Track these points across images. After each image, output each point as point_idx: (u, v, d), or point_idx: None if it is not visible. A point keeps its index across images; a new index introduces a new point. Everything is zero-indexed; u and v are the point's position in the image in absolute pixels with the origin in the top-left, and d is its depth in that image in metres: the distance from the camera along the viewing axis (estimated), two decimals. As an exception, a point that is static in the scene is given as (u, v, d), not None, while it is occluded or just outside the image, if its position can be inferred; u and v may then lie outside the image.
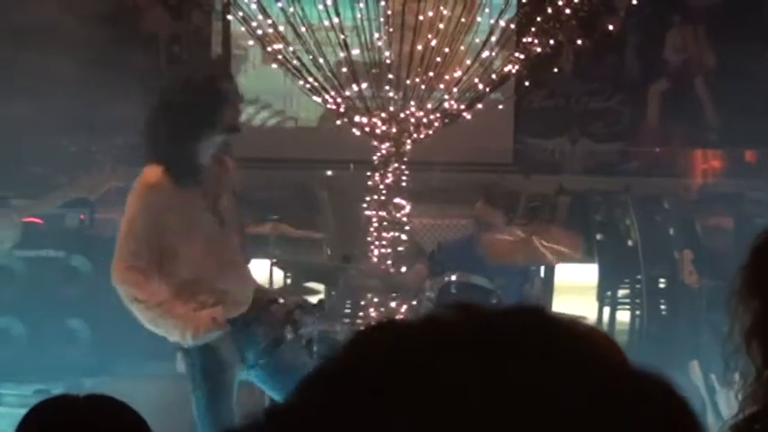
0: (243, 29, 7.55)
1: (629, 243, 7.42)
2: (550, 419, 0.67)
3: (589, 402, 0.69)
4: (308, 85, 7.31)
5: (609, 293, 7.60)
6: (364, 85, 7.20)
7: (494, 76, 7.25)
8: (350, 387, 0.69)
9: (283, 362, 4.65)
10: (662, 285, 7.40)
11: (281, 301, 4.74)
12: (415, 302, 6.56)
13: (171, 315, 4.51)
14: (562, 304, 7.22)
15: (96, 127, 8.17)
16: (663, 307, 7.38)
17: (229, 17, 7.83)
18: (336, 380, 0.70)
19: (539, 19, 7.10)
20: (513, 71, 7.32)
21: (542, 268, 7.24)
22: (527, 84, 7.72)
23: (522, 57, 7.23)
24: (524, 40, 7.23)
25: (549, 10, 7.05)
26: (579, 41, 7.44)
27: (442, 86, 7.19)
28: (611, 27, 7.48)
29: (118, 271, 4.54)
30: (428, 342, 0.70)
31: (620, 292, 7.65)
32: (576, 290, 7.73)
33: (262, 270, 7.52)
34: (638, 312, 7.47)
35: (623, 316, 7.59)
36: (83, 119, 8.25)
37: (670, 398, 0.72)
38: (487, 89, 7.28)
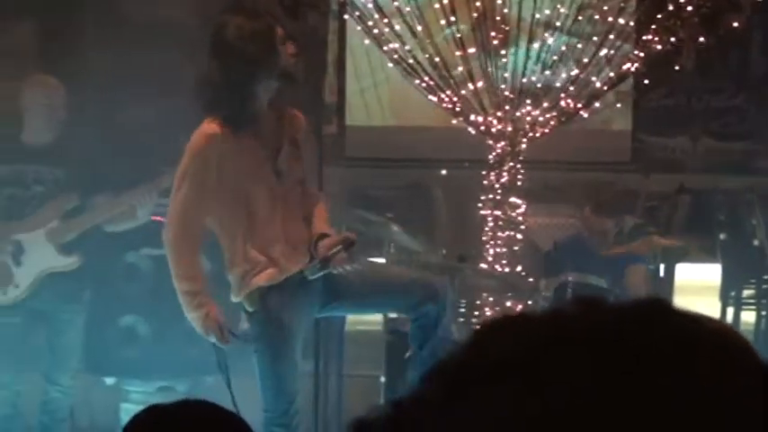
0: (359, 28, 7.59)
1: (755, 242, 7.26)
2: (664, 418, 0.65)
3: (705, 399, 0.66)
4: (423, 84, 7.32)
5: (733, 293, 7.47)
6: (480, 84, 7.18)
7: (612, 75, 7.17)
8: (470, 381, 0.68)
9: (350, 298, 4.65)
10: (789, 285, 7.26)
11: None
12: (530, 302, 6.52)
13: (190, 306, 4.56)
14: (684, 304, 7.08)
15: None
16: (790, 307, 7.25)
17: (345, 17, 7.89)
18: (457, 374, 0.70)
19: (659, 16, 6.99)
20: (632, 69, 7.22)
21: (662, 267, 7.14)
22: (646, 82, 7.60)
23: (641, 54, 7.12)
24: (644, 37, 7.13)
25: (671, 7, 6.93)
26: (701, 39, 7.30)
27: (558, 85, 7.13)
28: (735, 24, 7.31)
29: (170, 229, 4.57)
30: (548, 337, 0.69)
31: (745, 293, 7.50)
32: (698, 290, 7.60)
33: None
34: (763, 313, 7.33)
35: (748, 316, 7.45)
36: (201, 119, 8.37)
37: None
38: (605, 87, 7.20)
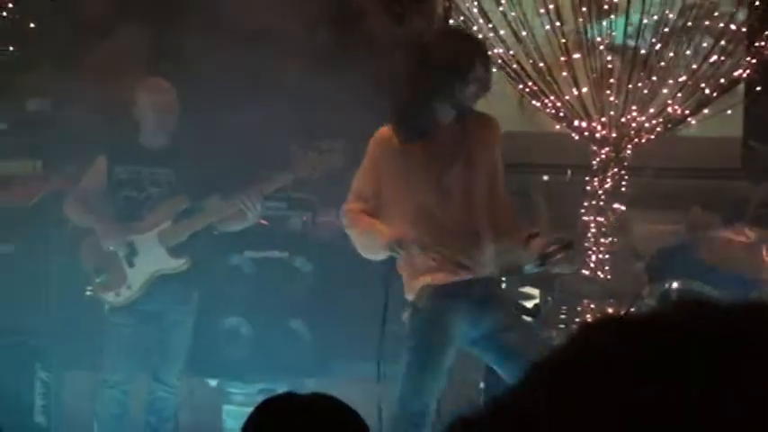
0: (463, 33, 7.58)
1: None
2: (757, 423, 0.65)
3: None
4: (527, 90, 7.29)
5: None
6: (584, 90, 7.12)
7: (722, 81, 7.03)
8: (568, 383, 0.69)
9: (508, 345, 4.57)
10: None
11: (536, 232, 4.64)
12: (633, 309, 6.43)
13: (371, 229, 4.58)
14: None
15: (320, 132, 8.38)
16: None
17: (450, 22, 7.88)
18: (556, 375, 0.70)
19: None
20: (744, 76, 7.07)
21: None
22: (758, 89, 7.44)
23: (753, 61, 6.98)
24: (756, 44, 6.98)
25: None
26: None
27: (665, 91, 7.03)
28: None
29: (342, 211, 4.73)
30: (648, 341, 0.68)
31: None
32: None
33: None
34: None
35: None
36: (307, 124, 8.47)
37: None
38: (714, 94, 7.07)
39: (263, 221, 6.31)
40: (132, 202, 5.54)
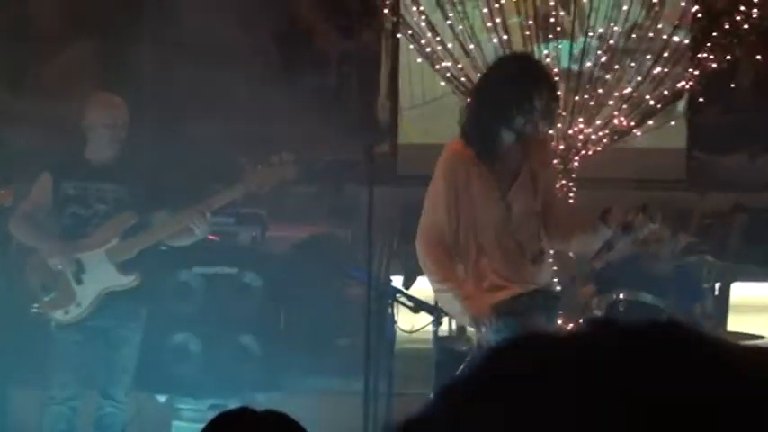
0: (412, 47, 7.62)
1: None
2: None
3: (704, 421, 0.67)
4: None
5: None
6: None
7: (666, 92, 7.12)
8: (477, 399, 0.70)
9: None
10: None
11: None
12: (581, 320, 6.48)
13: (461, 298, 4.53)
14: (739, 323, 7.01)
15: (271, 145, 8.38)
16: None
17: (398, 35, 7.92)
18: (467, 394, 0.71)
19: (714, 34, 6.94)
20: (687, 87, 7.17)
21: (717, 285, 7.05)
22: (701, 99, 7.53)
23: (696, 72, 7.07)
24: (699, 55, 7.08)
25: (726, 25, 6.88)
26: (758, 56, 7.24)
27: (611, 103, 7.10)
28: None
29: (423, 243, 4.63)
30: (557, 358, 0.70)
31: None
32: (754, 308, 7.50)
33: (427, 286, 7.56)
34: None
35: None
36: (258, 137, 8.46)
37: None
38: (658, 105, 7.15)
39: (212, 237, 6.29)
40: (79, 219, 5.50)
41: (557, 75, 7.04)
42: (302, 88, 8.86)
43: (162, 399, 6.11)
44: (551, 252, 4.70)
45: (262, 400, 5.45)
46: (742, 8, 6.82)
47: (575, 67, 7.06)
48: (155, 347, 5.92)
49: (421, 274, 7.89)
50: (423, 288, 7.66)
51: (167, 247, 5.57)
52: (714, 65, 6.97)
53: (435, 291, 4.73)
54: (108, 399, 5.53)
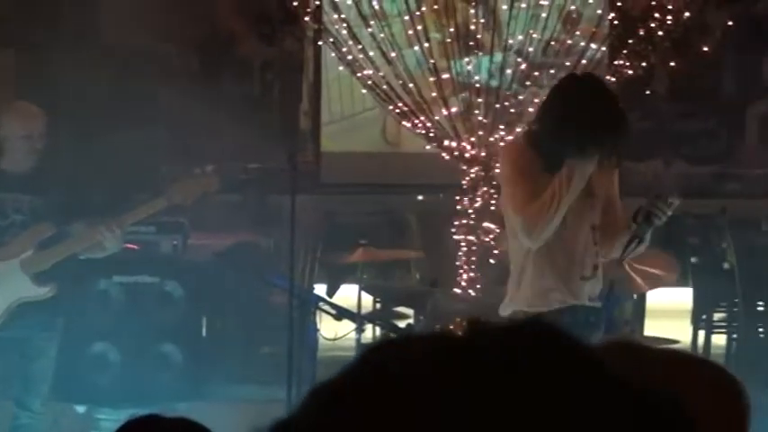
0: (333, 55, 7.64)
1: (726, 266, 7.28)
2: None
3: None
4: (397, 110, 7.37)
5: (704, 317, 7.46)
6: (453, 109, 7.23)
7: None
8: (342, 405, 0.70)
9: None
10: (760, 308, 7.25)
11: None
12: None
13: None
14: (655, 328, 7.11)
15: (193, 154, 8.34)
16: (760, 330, 7.23)
17: (320, 43, 7.93)
18: (330, 398, 0.71)
19: (630, 41, 7.05)
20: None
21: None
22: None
23: (613, 79, 7.17)
24: (616, 62, 7.19)
25: (642, 32, 6.99)
26: (673, 63, 7.36)
27: (531, 110, 7.17)
28: (705, 48, 7.37)
29: (526, 213, 4.37)
30: (423, 361, 0.70)
31: (716, 316, 7.50)
32: (670, 313, 7.60)
33: (350, 294, 7.57)
34: (734, 336, 7.32)
35: (719, 340, 7.45)
36: (180, 146, 8.42)
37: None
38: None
39: (132, 246, 6.24)
40: (-6, 230, 5.43)
41: (476, 87, 7.11)
42: (224, 96, 8.82)
43: (81, 409, 6.04)
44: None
45: (183, 410, 5.40)
46: (656, 15, 6.94)
47: (494, 80, 7.13)
48: (73, 357, 5.85)
49: (344, 282, 7.93)
50: (346, 296, 7.69)
51: (86, 257, 5.51)
52: (630, 72, 7.08)
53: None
54: (24, 410, 5.45)
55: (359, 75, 7.41)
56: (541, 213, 4.34)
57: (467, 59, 7.14)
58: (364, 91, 7.59)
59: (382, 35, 7.26)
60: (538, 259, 4.44)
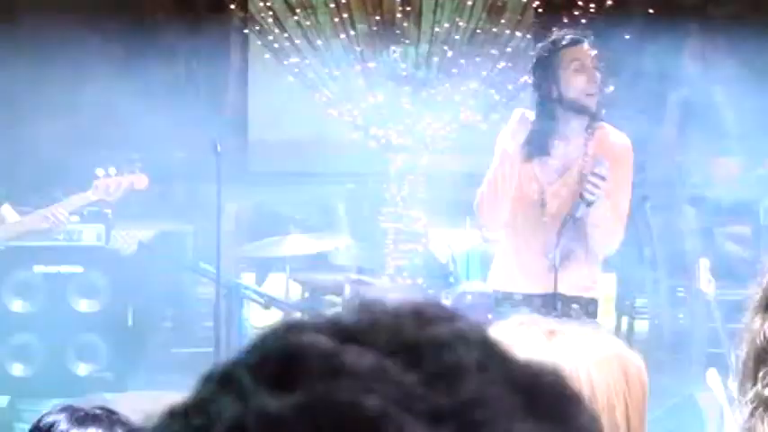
0: (260, 42, 7.60)
1: (648, 252, 7.38)
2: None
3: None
4: (324, 98, 7.35)
5: (627, 303, 7.56)
6: (380, 98, 7.23)
7: (510, 87, 7.26)
8: (223, 389, 0.69)
9: None
10: (680, 294, 7.36)
11: None
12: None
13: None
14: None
15: (117, 143, 8.25)
16: (681, 316, 7.34)
17: (246, 31, 7.89)
18: (215, 380, 0.71)
19: (555, 29, 7.09)
20: (530, 81, 7.31)
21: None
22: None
23: (538, 67, 7.22)
24: (541, 49, 7.23)
25: (565, 20, 7.05)
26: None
27: (457, 98, 7.21)
28: (627, 36, 7.46)
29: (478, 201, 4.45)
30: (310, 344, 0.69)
31: (639, 302, 7.60)
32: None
33: (279, 283, 7.55)
34: (656, 322, 7.43)
35: (642, 326, 7.55)
36: (104, 135, 8.32)
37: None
38: (504, 99, 7.29)
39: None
40: None
41: (403, 75, 7.12)
42: (148, 84, 8.72)
43: (3, 401, 5.96)
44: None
45: (109, 400, 5.35)
46: (579, 3, 7.01)
47: (420, 69, 7.15)
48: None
49: (272, 270, 7.91)
50: (274, 284, 7.66)
51: (5, 247, 5.44)
52: (555, 59, 7.13)
53: None
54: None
55: (285, 63, 7.38)
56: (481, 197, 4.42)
57: (393, 48, 7.15)
58: (291, 79, 7.56)
59: (308, 23, 7.24)
60: (505, 243, 4.44)
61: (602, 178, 4.25)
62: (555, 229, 4.27)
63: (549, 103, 4.33)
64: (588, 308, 4.43)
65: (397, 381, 0.66)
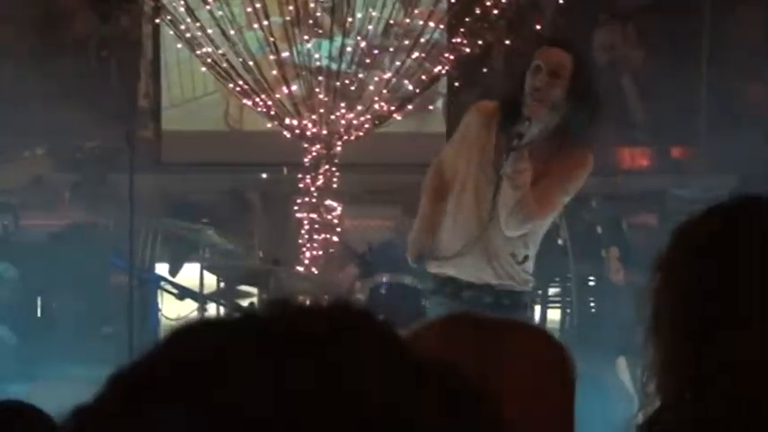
0: (172, 32, 7.53)
1: (559, 242, 7.46)
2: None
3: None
4: (237, 89, 7.31)
5: (540, 292, 7.63)
6: (294, 88, 7.21)
7: (423, 77, 7.30)
8: (144, 392, 0.69)
9: None
10: (591, 283, 7.46)
11: None
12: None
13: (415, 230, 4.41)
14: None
15: (27, 133, 8.11)
16: (592, 305, 7.44)
17: (158, 21, 7.80)
18: (133, 383, 0.71)
19: (467, 20, 7.16)
20: (443, 72, 7.37)
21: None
22: (457, 84, 7.76)
23: (451, 57, 7.28)
24: (454, 40, 7.29)
25: (478, 11, 7.11)
26: (508, 41, 7.51)
27: (371, 88, 7.22)
28: (538, 27, 7.56)
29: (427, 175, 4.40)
30: (225, 340, 0.70)
31: (551, 291, 7.69)
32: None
33: (193, 274, 7.50)
34: (568, 311, 7.51)
35: (554, 314, 7.64)
36: (14, 125, 8.17)
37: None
38: (417, 90, 7.33)
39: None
40: None
41: (317, 66, 7.11)
42: (59, 75, 8.60)
43: None
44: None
45: (17, 391, 5.28)
46: (491, -5, 7.07)
47: (335, 60, 7.15)
48: None
49: (186, 261, 7.85)
50: (189, 276, 7.61)
51: None
52: (468, 50, 7.19)
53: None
54: None
55: (198, 53, 7.32)
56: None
57: (307, 38, 7.14)
58: (204, 69, 7.50)
59: (221, 13, 7.19)
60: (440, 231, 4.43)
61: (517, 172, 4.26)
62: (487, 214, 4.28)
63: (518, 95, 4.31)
64: (517, 299, 4.46)
65: (284, 384, 0.67)
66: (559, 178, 4.19)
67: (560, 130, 4.15)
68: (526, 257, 4.34)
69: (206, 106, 9.10)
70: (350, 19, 7.14)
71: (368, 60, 7.19)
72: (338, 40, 7.18)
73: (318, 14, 7.12)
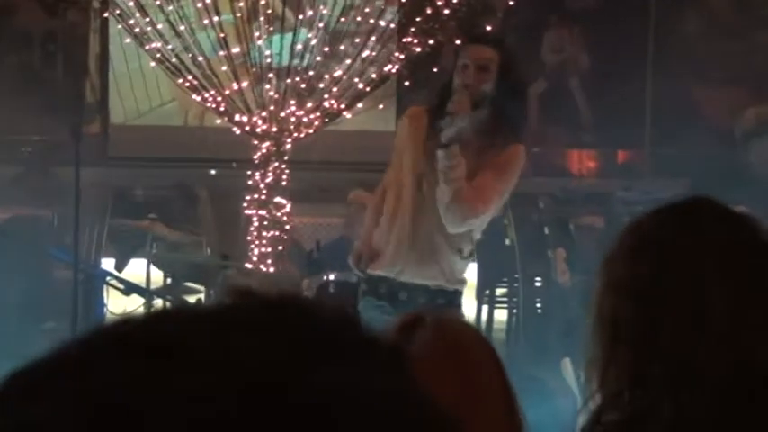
0: (120, 26, 7.47)
1: (507, 242, 7.50)
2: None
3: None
4: (187, 84, 7.27)
5: (487, 292, 7.66)
6: (244, 84, 7.19)
7: (373, 76, 7.31)
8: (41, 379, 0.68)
9: None
10: (538, 284, 7.50)
11: None
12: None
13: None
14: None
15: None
16: (538, 305, 7.48)
17: (106, 15, 7.74)
18: (36, 370, 0.69)
19: (418, 19, 7.18)
20: (393, 71, 7.38)
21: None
22: (407, 83, 7.78)
23: (402, 56, 7.29)
24: (404, 39, 7.30)
25: (429, 10, 7.13)
26: (458, 41, 7.53)
27: (322, 86, 7.22)
28: (488, 27, 7.59)
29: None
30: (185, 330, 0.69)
31: (498, 291, 7.72)
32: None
33: (139, 268, 7.45)
34: (515, 311, 7.54)
35: (501, 315, 7.67)
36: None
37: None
38: (367, 88, 7.33)
39: None
40: None
41: (267, 62, 7.09)
42: (3, 68, 8.51)
43: None
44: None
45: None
46: (443, -5, 7.10)
47: (285, 57, 7.13)
48: None
49: (133, 256, 7.78)
50: (135, 271, 7.55)
51: None
52: (419, 49, 7.21)
53: None
54: None
55: (147, 48, 7.27)
56: None
57: (257, 34, 7.12)
58: (153, 64, 7.45)
59: (171, 8, 7.14)
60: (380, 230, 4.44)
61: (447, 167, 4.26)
62: (426, 214, 4.29)
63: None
64: (452, 298, 4.46)
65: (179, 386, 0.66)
66: (494, 172, 4.21)
67: (492, 125, 4.17)
68: (472, 252, 4.39)
69: (166, 115, 9.06)
70: (301, 16, 7.12)
71: (318, 58, 7.18)
72: (289, 37, 7.17)
73: (270, 11, 7.09)
